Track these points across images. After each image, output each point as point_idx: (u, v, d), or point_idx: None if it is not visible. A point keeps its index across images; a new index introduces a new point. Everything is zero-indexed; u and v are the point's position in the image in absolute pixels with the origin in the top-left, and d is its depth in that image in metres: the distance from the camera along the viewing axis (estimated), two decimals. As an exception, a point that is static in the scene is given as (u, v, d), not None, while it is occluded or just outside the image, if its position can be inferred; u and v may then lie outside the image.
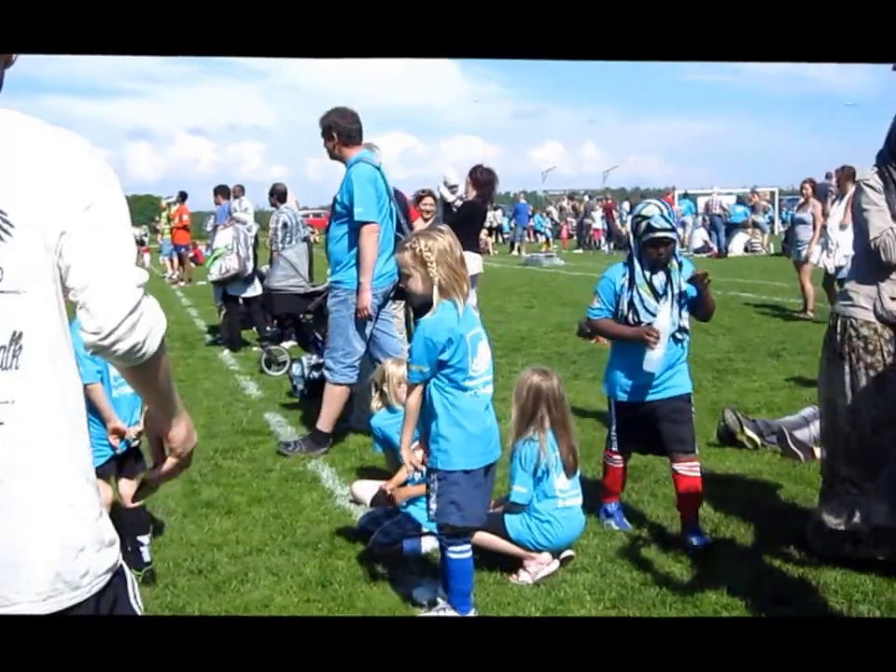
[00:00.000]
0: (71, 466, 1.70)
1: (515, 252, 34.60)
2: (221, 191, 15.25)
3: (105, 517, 1.80)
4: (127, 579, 1.84)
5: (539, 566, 4.54)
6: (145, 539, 4.74)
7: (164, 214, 28.67)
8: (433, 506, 4.01)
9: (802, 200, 14.41)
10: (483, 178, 10.18)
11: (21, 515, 1.63)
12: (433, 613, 4.11)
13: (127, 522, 4.53)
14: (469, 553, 4.08)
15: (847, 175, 12.71)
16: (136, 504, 4.38)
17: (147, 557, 4.72)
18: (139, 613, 1.85)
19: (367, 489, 5.59)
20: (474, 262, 10.50)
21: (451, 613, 4.05)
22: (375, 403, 5.45)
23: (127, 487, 4.63)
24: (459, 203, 10.44)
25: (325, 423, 6.93)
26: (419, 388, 4.01)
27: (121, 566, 1.82)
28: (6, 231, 1.60)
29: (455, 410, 3.96)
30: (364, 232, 6.68)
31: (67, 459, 1.69)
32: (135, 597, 1.85)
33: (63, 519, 1.68)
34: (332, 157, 6.96)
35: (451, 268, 3.93)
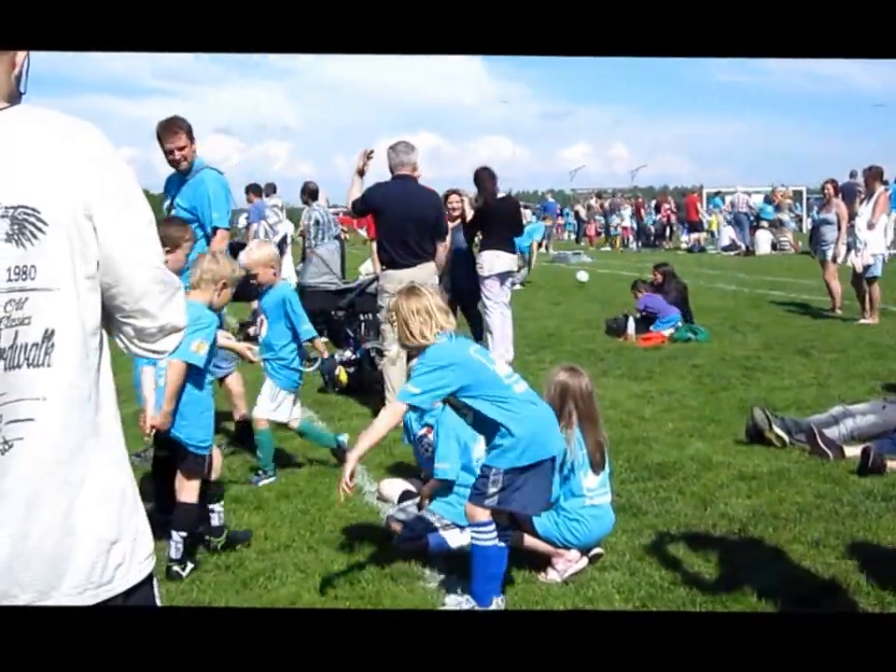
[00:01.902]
0: (103, 461, 1.72)
1: (543, 249, 34.57)
2: (253, 189, 15.41)
3: (141, 511, 1.82)
4: (154, 579, 1.86)
5: (568, 563, 4.53)
6: (216, 506, 5.00)
7: None
8: (493, 497, 4.06)
9: (825, 200, 14.32)
10: (476, 178, 10.31)
11: (55, 510, 1.65)
12: (452, 605, 4.13)
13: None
14: (495, 540, 4.10)
15: (874, 174, 12.66)
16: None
17: (216, 522, 5.00)
18: None
19: (395, 487, 5.61)
20: (502, 261, 10.52)
21: (471, 605, 4.06)
22: None
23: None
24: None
25: None
26: (397, 412, 4.13)
27: (153, 565, 1.84)
28: (39, 230, 1.62)
29: (512, 410, 4.08)
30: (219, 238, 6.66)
31: (99, 454, 1.71)
32: (158, 599, 1.88)
33: (96, 512, 1.70)
34: (184, 160, 6.63)
35: (424, 314, 4.08)
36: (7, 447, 1.61)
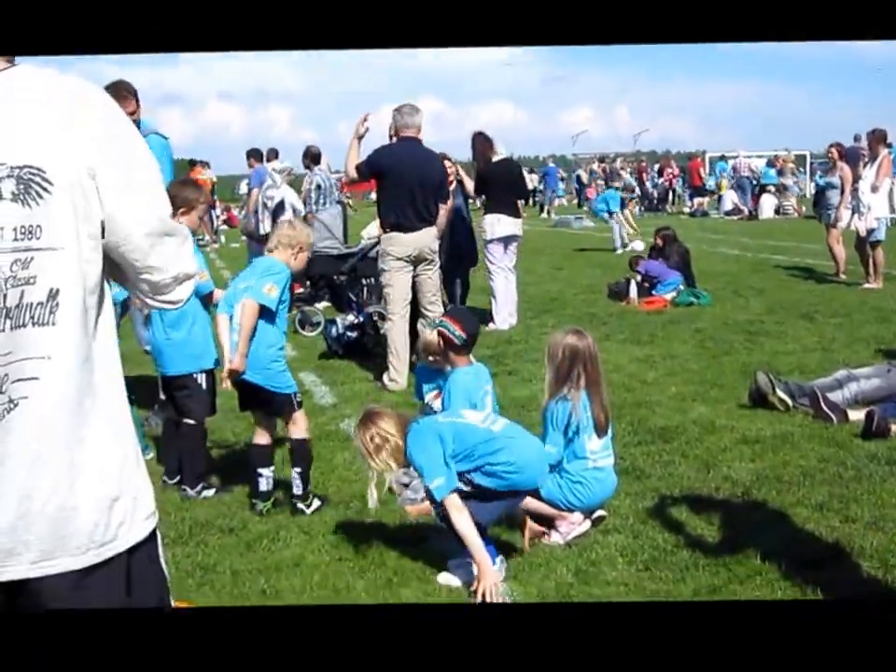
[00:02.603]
0: (102, 420, 1.72)
1: (545, 215, 34.47)
2: (254, 154, 15.26)
3: (142, 470, 1.82)
4: (158, 538, 1.86)
5: (571, 526, 4.53)
6: (265, 471, 5.02)
7: None
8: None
9: (830, 164, 14.23)
10: (472, 143, 10.29)
11: (58, 470, 1.66)
12: (455, 568, 4.17)
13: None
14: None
15: (878, 137, 12.57)
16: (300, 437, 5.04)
17: (263, 486, 5.02)
18: (166, 573, 1.88)
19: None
20: (505, 225, 10.48)
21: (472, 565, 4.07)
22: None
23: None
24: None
25: None
26: (448, 504, 4.05)
27: (156, 523, 1.85)
28: (45, 190, 1.62)
29: (502, 460, 4.15)
30: None
31: (98, 414, 1.72)
32: (163, 557, 1.88)
33: (97, 471, 1.71)
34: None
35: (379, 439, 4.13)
36: (12, 406, 1.62)
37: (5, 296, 1.61)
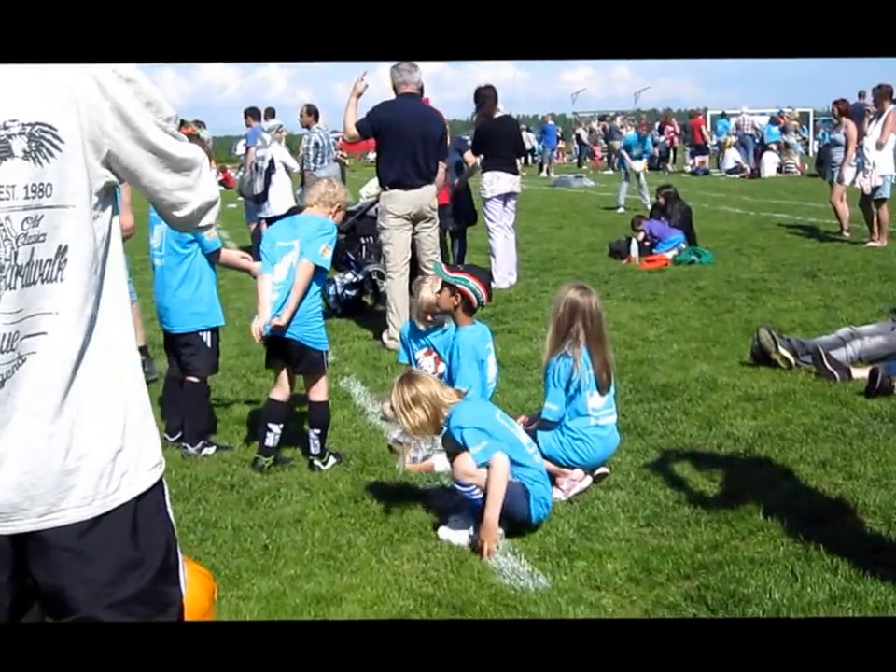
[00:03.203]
0: (109, 372, 1.75)
1: (544, 174, 34.27)
2: (251, 113, 15.10)
3: (148, 421, 1.84)
4: (165, 487, 1.87)
5: (572, 482, 4.52)
6: (275, 427, 5.09)
7: None
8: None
9: (835, 121, 14.09)
10: (477, 95, 10.16)
11: (64, 423, 1.68)
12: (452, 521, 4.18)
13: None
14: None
15: (884, 92, 12.39)
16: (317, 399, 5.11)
17: (269, 442, 5.08)
18: (173, 523, 1.88)
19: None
20: (504, 182, 10.40)
21: (469, 528, 4.06)
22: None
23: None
24: None
25: None
26: (497, 461, 4.00)
27: (162, 473, 1.86)
28: (56, 147, 1.63)
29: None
30: None
31: (106, 366, 1.74)
32: (169, 507, 1.89)
33: (101, 423, 1.73)
34: None
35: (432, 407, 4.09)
36: (21, 362, 1.64)
37: (16, 253, 1.61)
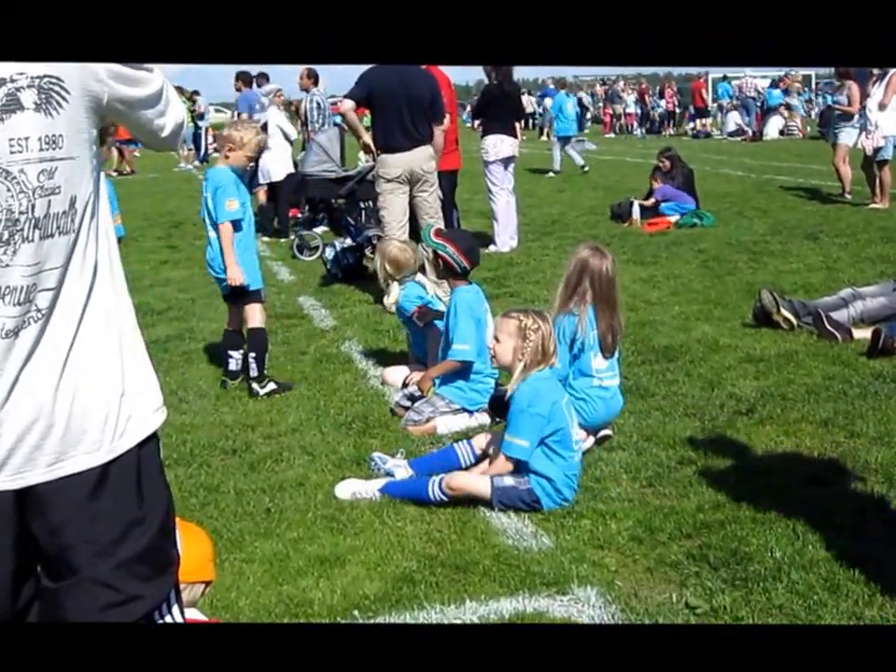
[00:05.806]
0: (105, 317, 1.78)
1: (544, 137, 34.08)
2: (243, 77, 14.79)
3: (147, 364, 1.88)
4: (160, 442, 1.92)
5: (574, 444, 4.52)
6: (235, 353, 5.78)
7: None
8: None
9: (838, 82, 13.96)
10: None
11: (70, 370, 1.72)
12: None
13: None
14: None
15: (888, 53, 12.25)
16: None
17: (232, 367, 5.81)
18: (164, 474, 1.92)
19: (398, 373, 5.61)
20: (506, 146, 10.35)
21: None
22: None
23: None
24: None
25: None
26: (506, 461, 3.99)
27: (164, 416, 1.90)
28: (64, 99, 1.64)
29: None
30: None
31: (103, 312, 1.77)
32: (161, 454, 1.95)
33: (103, 369, 1.76)
34: None
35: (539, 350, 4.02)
36: (40, 315, 1.67)
37: (33, 206, 1.63)
